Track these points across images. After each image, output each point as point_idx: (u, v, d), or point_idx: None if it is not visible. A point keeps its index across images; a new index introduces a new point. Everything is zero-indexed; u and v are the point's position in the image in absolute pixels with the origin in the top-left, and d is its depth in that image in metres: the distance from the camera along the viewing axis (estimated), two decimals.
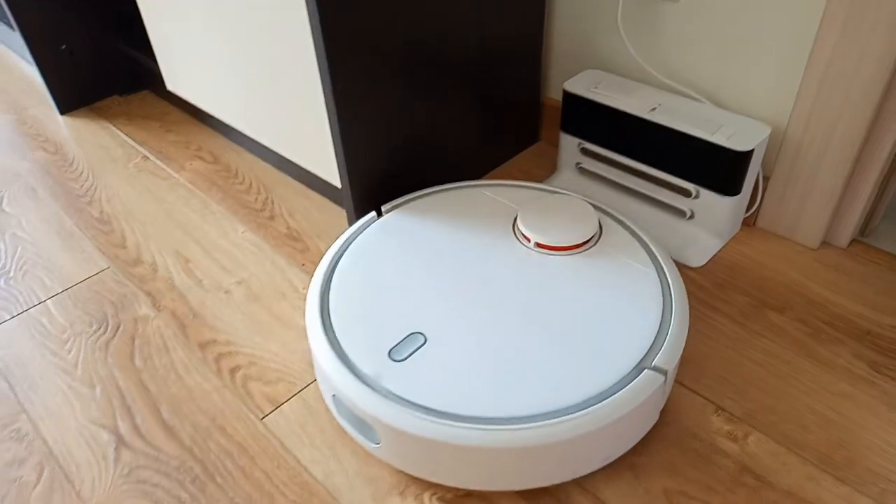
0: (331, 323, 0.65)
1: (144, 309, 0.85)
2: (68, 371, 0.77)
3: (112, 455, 0.68)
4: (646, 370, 0.59)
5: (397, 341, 0.63)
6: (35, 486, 0.65)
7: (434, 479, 0.60)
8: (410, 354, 0.61)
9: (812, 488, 0.60)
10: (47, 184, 1.11)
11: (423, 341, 0.62)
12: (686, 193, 0.86)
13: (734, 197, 0.82)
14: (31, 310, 0.86)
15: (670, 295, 0.66)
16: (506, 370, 0.59)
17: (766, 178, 0.86)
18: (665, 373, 0.59)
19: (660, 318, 0.64)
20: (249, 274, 0.89)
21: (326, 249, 0.91)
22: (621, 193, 0.94)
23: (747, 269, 0.84)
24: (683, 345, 0.62)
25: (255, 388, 0.73)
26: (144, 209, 1.02)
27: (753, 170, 0.81)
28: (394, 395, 0.58)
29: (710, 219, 0.85)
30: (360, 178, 0.83)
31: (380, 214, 0.79)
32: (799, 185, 0.83)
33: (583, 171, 0.97)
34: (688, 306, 0.66)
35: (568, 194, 0.79)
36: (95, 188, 1.08)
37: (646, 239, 0.73)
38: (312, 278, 0.71)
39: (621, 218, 0.76)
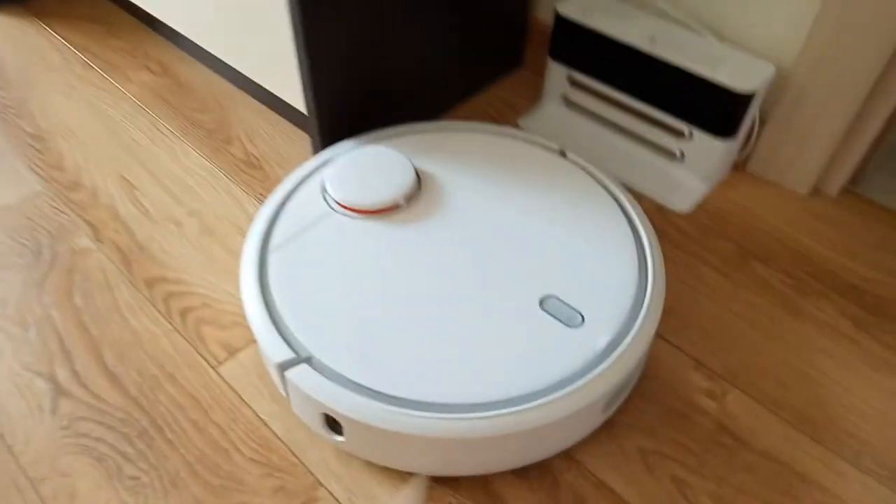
0: (270, 290, 0.58)
1: (84, 240, 0.77)
2: None
3: (49, 405, 0.62)
4: (627, 335, 0.55)
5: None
6: None
7: (412, 471, 0.57)
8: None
9: (788, 449, 0.59)
10: None
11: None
12: (678, 134, 0.81)
13: (729, 140, 0.77)
14: None
15: (644, 246, 0.62)
16: (484, 349, 0.54)
17: (763, 121, 0.80)
18: (647, 334, 0.56)
19: (636, 274, 0.59)
20: (202, 204, 0.81)
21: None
22: (609, 130, 0.88)
23: (734, 215, 0.80)
24: (663, 301, 0.58)
25: (208, 333, 0.68)
26: (85, 126, 0.92)
27: (752, 111, 0.76)
28: (357, 384, 0.52)
29: (701, 162, 0.80)
30: (328, 104, 0.75)
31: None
32: (796, 131, 0.78)
33: (569, 103, 0.90)
34: (663, 260, 0.61)
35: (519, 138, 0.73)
36: (28, 99, 0.97)
37: (614, 189, 0.68)
38: (250, 230, 0.64)
39: (594, 172, 0.70)
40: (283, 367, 0.54)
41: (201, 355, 0.66)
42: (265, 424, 0.61)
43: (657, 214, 0.80)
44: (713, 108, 0.75)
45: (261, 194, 0.82)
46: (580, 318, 0.56)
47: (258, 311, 0.57)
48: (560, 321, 0.56)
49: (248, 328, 0.68)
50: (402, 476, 0.57)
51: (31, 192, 0.82)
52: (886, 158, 0.85)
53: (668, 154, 0.83)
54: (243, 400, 0.62)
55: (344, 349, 0.54)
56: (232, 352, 0.66)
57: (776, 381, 0.64)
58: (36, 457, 0.59)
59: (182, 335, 0.68)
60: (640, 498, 0.56)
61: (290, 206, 0.66)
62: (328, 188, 0.66)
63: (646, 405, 0.61)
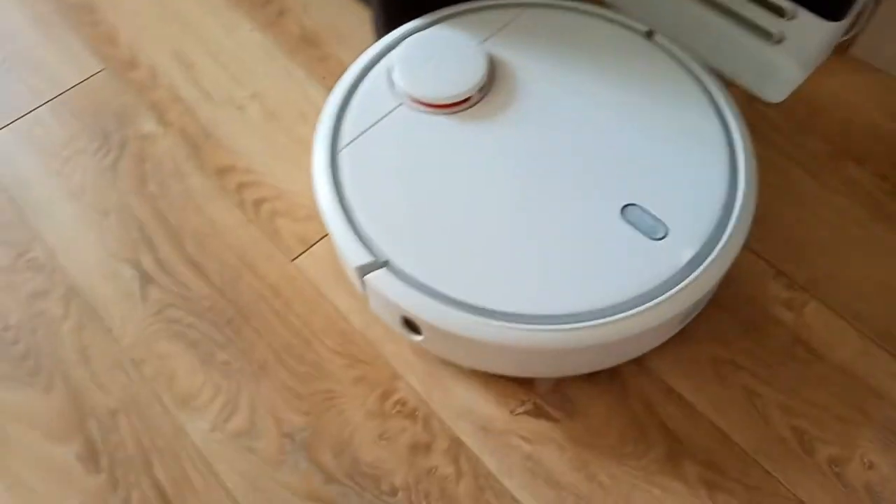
0: (345, 191, 0.57)
1: (149, 124, 0.76)
2: (76, 195, 0.71)
3: (139, 291, 0.65)
4: (715, 247, 0.53)
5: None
6: (64, 321, 0.64)
7: (487, 370, 0.58)
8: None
9: (864, 364, 0.59)
10: None
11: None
12: (779, 12, 0.72)
13: (837, 22, 0.69)
14: (23, 118, 0.77)
15: (735, 151, 0.58)
16: (563, 259, 0.53)
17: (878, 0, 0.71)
18: (732, 247, 0.54)
19: (726, 180, 0.56)
20: (263, 86, 0.79)
21: (348, 64, 0.80)
22: (701, 4, 0.79)
23: (832, 107, 0.74)
24: (753, 211, 0.56)
25: (283, 226, 0.68)
26: None
27: None
28: (434, 290, 0.52)
29: (802, 46, 0.73)
30: None
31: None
32: None
33: None
34: (756, 165, 0.58)
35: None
36: None
37: (708, 83, 0.62)
38: (318, 127, 0.61)
39: (683, 58, 0.64)
40: (363, 270, 0.55)
41: (278, 247, 0.67)
42: (344, 318, 0.63)
43: (747, 105, 0.74)
44: None
45: (323, 77, 0.79)
46: (664, 229, 0.54)
47: (335, 214, 0.57)
48: (642, 232, 0.54)
49: (320, 221, 0.68)
50: (477, 371, 0.59)
51: (91, 72, 0.80)
52: None
53: (765, 35, 0.75)
54: (321, 293, 0.64)
55: (420, 254, 0.54)
56: (307, 245, 0.67)
57: (858, 292, 0.62)
58: (134, 340, 0.63)
59: (257, 226, 0.68)
60: (709, 405, 0.57)
61: (357, 98, 0.63)
62: (396, 80, 0.62)
63: (721, 314, 0.61)
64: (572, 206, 0.56)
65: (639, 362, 0.59)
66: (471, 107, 0.62)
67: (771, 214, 0.67)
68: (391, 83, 0.63)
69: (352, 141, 0.60)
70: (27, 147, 0.75)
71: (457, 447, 0.57)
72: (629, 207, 0.56)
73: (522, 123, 0.60)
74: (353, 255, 0.55)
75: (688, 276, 0.52)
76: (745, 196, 0.56)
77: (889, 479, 0.54)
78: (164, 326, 0.63)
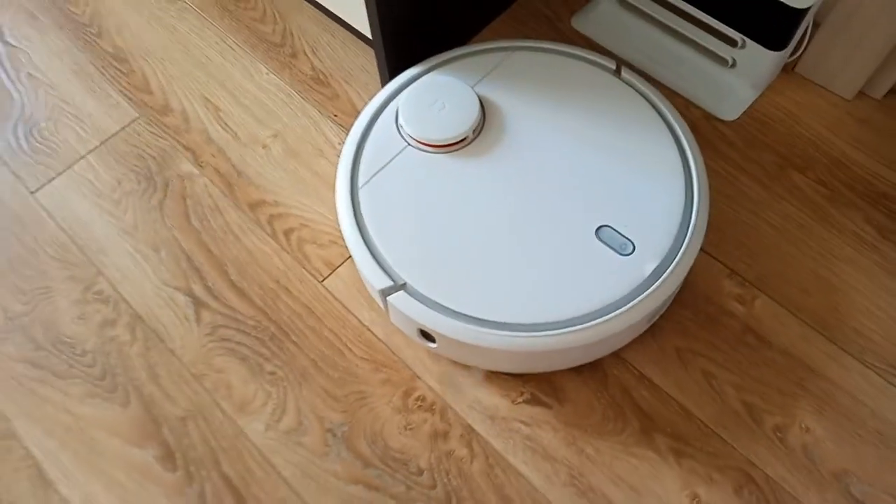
0: (366, 226, 0.68)
1: (187, 165, 0.87)
2: (129, 233, 0.83)
3: (193, 315, 0.77)
4: (676, 256, 0.65)
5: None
6: (132, 345, 0.76)
7: (491, 369, 0.70)
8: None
9: (804, 347, 0.71)
10: (43, 5, 1.04)
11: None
12: (731, 42, 0.83)
13: (781, 51, 0.80)
14: (74, 166, 0.88)
15: (691, 170, 0.69)
16: (549, 277, 0.65)
17: (816, 24, 0.82)
18: (691, 254, 0.66)
19: (683, 198, 0.67)
20: (283, 125, 0.90)
21: (360, 106, 0.91)
22: (663, 33, 0.90)
23: (779, 122, 0.85)
24: (706, 223, 0.67)
25: (311, 251, 0.80)
26: (158, 43, 0.98)
27: (806, 21, 0.78)
28: (445, 307, 0.64)
29: (752, 69, 0.84)
30: (395, 29, 0.79)
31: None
32: (851, 35, 0.80)
33: (623, 3, 0.91)
34: (708, 182, 0.69)
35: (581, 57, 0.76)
36: (99, 14, 1.02)
37: (668, 115, 0.73)
38: (338, 170, 0.72)
39: (648, 94, 0.75)
40: (385, 293, 0.66)
41: (307, 271, 0.79)
42: (368, 329, 0.75)
43: (705, 123, 0.85)
44: (767, 21, 0.77)
45: (334, 115, 0.90)
46: (631, 246, 0.66)
47: (358, 245, 0.68)
48: (614, 250, 0.66)
49: (342, 246, 0.80)
50: (483, 371, 0.71)
51: (130, 119, 0.91)
52: None
53: (721, 61, 0.86)
54: (348, 309, 0.76)
55: (431, 276, 0.66)
56: (332, 267, 0.79)
57: (800, 287, 0.74)
58: (193, 358, 0.74)
59: (289, 253, 0.80)
60: (674, 387, 0.69)
61: (370, 142, 0.74)
62: (402, 125, 0.73)
63: (683, 310, 0.73)
64: (555, 229, 0.67)
65: (616, 355, 0.71)
66: (467, 145, 0.73)
67: (725, 221, 0.78)
68: (398, 127, 0.74)
69: (368, 181, 0.72)
70: (82, 191, 0.86)
71: (469, 433, 0.69)
72: (602, 228, 0.67)
73: (511, 157, 0.72)
74: (376, 281, 0.66)
75: (652, 284, 0.64)
76: (699, 214, 0.67)
77: (821, 440, 0.66)
78: (217, 344, 0.75)
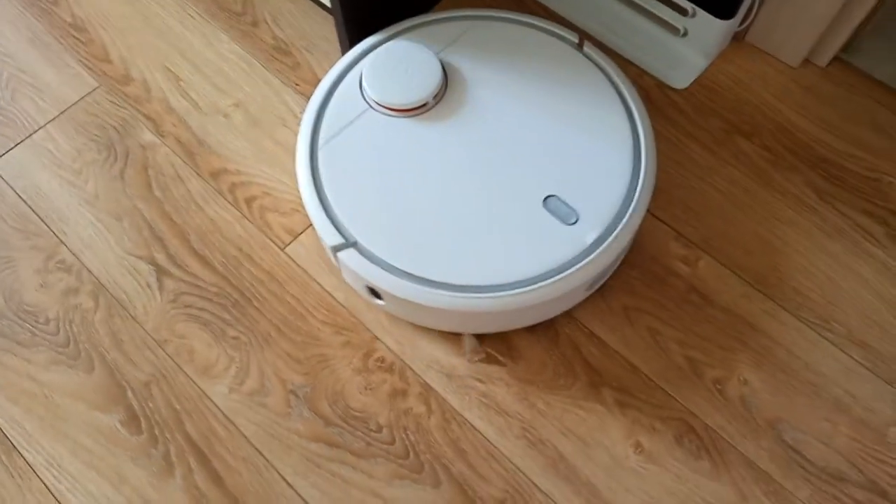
0: (322, 184, 0.70)
1: (148, 135, 0.88)
2: (91, 202, 0.83)
3: (155, 283, 0.78)
4: (623, 219, 0.67)
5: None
6: (95, 312, 0.77)
7: (441, 329, 0.73)
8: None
9: (744, 304, 0.74)
10: None
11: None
12: (682, 11, 0.85)
13: (730, 20, 0.82)
14: (33, 135, 0.88)
15: (639, 135, 0.71)
16: (502, 240, 0.67)
17: None
18: (637, 217, 0.68)
19: (631, 162, 0.69)
20: (244, 94, 0.90)
21: (321, 76, 0.91)
22: (619, 3, 0.92)
23: (727, 90, 0.87)
24: (653, 186, 0.70)
25: (272, 219, 0.81)
26: (118, 12, 0.97)
27: None
28: (399, 269, 0.66)
29: (703, 38, 0.86)
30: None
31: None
32: (795, 4, 0.82)
33: None
34: (655, 147, 0.71)
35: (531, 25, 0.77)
36: None
37: (617, 81, 0.75)
38: (300, 129, 0.73)
39: (595, 57, 0.76)
40: (335, 249, 0.68)
41: (270, 238, 0.80)
42: (329, 294, 0.77)
43: (657, 91, 0.88)
44: None
45: (296, 85, 0.90)
46: (575, 216, 0.68)
47: (313, 201, 0.69)
48: (559, 219, 0.68)
49: (304, 215, 0.81)
50: (441, 331, 0.74)
51: (89, 88, 0.91)
52: (880, 26, 0.89)
53: (673, 30, 0.88)
54: (310, 275, 0.78)
55: (382, 235, 0.68)
56: (294, 235, 0.80)
57: (743, 248, 0.77)
58: (156, 324, 0.76)
59: (251, 221, 0.81)
60: (621, 344, 0.73)
61: (332, 106, 0.75)
62: (366, 88, 0.74)
63: (631, 270, 0.76)
64: (505, 196, 0.69)
65: (568, 314, 0.74)
66: (428, 111, 0.74)
67: (674, 186, 0.81)
68: (361, 91, 0.75)
69: (328, 141, 0.73)
70: (41, 161, 0.86)
71: (427, 391, 0.72)
72: (550, 198, 0.69)
73: (469, 125, 0.73)
74: (329, 237, 0.68)
75: (595, 250, 0.66)
76: (645, 182, 0.69)
77: (758, 391, 0.70)
78: (180, 311, 0.77)
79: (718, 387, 0.71)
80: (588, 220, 0.68)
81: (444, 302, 0.65)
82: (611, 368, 0.72)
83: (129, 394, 0.73)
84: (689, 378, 0.71)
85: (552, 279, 0.65)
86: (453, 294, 0.65)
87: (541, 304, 0.66)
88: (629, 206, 0.68)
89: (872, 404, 0.70)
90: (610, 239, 0.66)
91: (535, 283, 0.65)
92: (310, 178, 0.71)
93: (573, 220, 0.67)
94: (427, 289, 0.65)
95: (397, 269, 0.66)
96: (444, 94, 0.75)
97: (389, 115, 0.74)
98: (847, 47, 0.88)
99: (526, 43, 0.78)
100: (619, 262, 0.74)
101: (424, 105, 0.74)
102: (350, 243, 0.68)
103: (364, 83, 0.74)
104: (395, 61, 0.75)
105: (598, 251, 0.66)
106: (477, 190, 0.70)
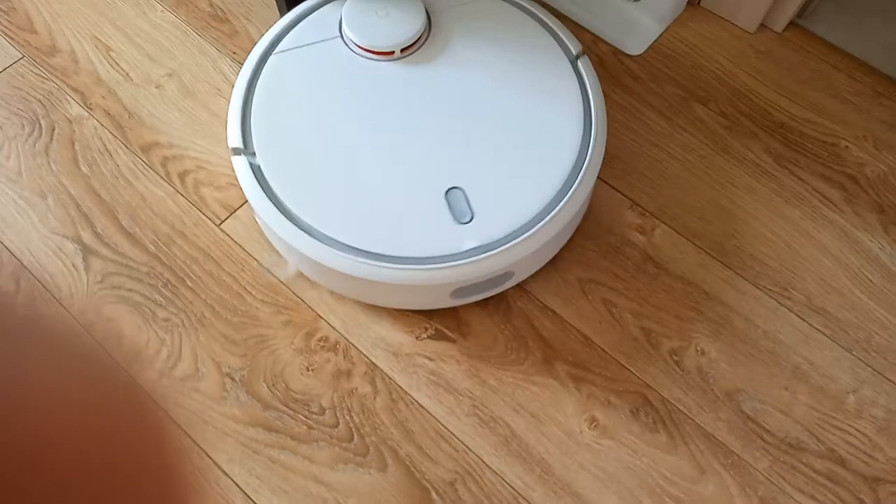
0: (264, 175, 0.65)
1: (75, 108, 0.82)
2: (13, 180, 0.77)
3: (81, 264, 0.73)
4: (574, 184, 0.64)
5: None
6: (16, 296, 0.71)
7: (389, 307, 0.69)
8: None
9: (701, 273, 0.72)
10: None
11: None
12: None
13: None
14: None
15: (589, 99, 0.67)
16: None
17: None
18: (591, 182, 0.65)
19: (581, 127, 0.66)
20: (178, 64, 0.85)
21: (256, 37, 0.86)
22: None
23: (683, 56, 0.85)
24: (603, 152, 0.66)
25: (207, 194, 0.77)
26: None
27: None
28: (336, 241, 0.62)
29: (657, 4, 0.83)
30: None
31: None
32: None
33: None
34: (605, 112, 0.68)
35: None
36: None
37: (564, 38, 0.71)
38: (230, 108, 0.69)
39: (536, 12, 0.72)
40: (235, 152, 0.66)
41: (204, 214, 0.75)
42: (269, 272, 0.73)
43: (612, 58, 0.85)
44: None
45: (233, 52, 0.85)
46: (470, 215, 0.64)
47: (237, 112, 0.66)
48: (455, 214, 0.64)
49: (240, 189, 0.76)
50: (388, 310, 0.70)
51: (12, 60, 0.85)
52: None
53: None
54: (248, 252, 0.73)
55: (282, 152, 0.65)
56: (231, 210, 0.76)
57: (700, 216, 0.75)
58: (82, 307, 0.71)
59: (184, 196, 0.76)
60: (575, 316, 0.70)
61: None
62: (345, 21, 0.69)
63: (586, 241, 0.73)
64: (446, 163, 0.65)
65: (520, 287, 0.71)
66: (389, 60, 0.69)
67: (629, 154, 0.78)
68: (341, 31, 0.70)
69: (279, 53, 0.69)
70: None
71: (373, 370, 0.68)
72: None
73: (425, 83, 0.69)
74: (233, 139, 0.65)
75: (540, 221, 0.63)
76: (594, 151, 0.65)
77: (715, 361, 0.68)
78: (108, 293, 0.71)
79: (675, 358, 0.68)
80: (537, 186, 0.64)
81: (367, 272, 0.61)
82: (565, 342, 0.69)
83: None
84: (646, 350, 0.68)
85: (489, 252, 0.61)
86: (375, 263, 0.61)
87: (484, 280, 0.62)
88: (578, 173, 0.65)
89: (831, 371, 0.68)
90: (559, 207, 0.63)
91: (480, 253, 0.61)
92: (245, 86, 0.68)
93: (468, 219, 0.63)
94: (347, 255, 0.61)
95: (321, 233, 0.62)
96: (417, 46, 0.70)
97: (359, 55, 0.69)
98: (802, 12, 0.86)
99: (490, 14, 0.73)
100: (567, 234, 0.71)
101: (392, 53, 0.69)
102: (250, 152, 0.65)
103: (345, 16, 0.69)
104: (376, 6, 0.70)
105: (545, 220, 0.62)
106: (419, 153, 0.66)
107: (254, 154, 0.64)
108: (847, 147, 0.79)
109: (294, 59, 0.70)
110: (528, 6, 0.74)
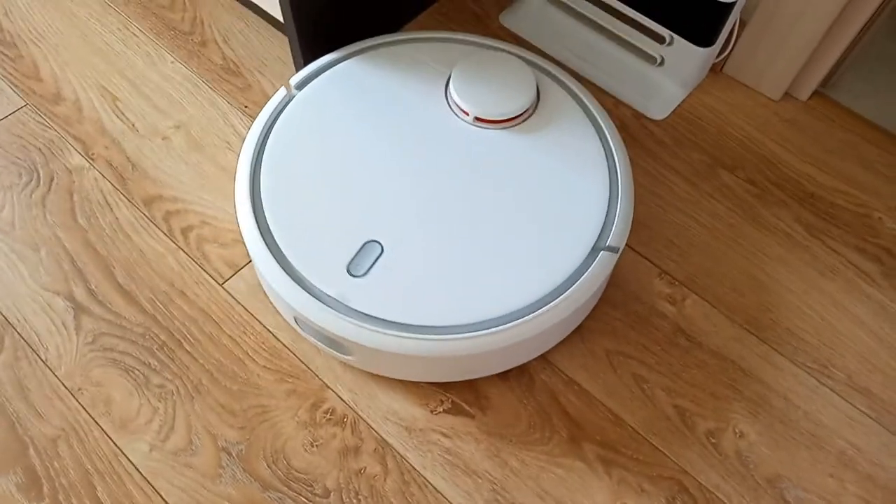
0: (270, 230, 0.61)
1: (76, 157, 0.78)
2: (5, 231, 0.73)
3: (72, 322, 0.68)
4: (601, 252, 0.60)
5: (352, 253, 0.60)
6: None
7: (412, 380, 0.64)
8: (370, 268, 0.59)
9: (736, 348, 0.67)
10: None
11: (380, 251, 0.60)
12: (659, 39, 0.81)
13: (708, 48, 0.78)
14: None
15: (615, 168, 0.65)
16: (467, 275, 0.59)
17: (743, 24, 0.81)
18: (617, 250, 0.62)
19: (607, 194, 0.63)
20: (187, 116, 0.82)
21: (270, 91, 0.84)
22: (591, 31, 0.87)
23: (707, 122, 0.83)
24: (631, 219, 0.63)
25: (211, 251, 0.72)
26: (52, 27, 0.89)
27: (732, 18, 0.76)
28: (361, 313, 0.57)
29: (680, 68, 0.82)
30: (310, 12, 0.74)
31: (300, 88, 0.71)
32: (775, 35, 0.79)
33: (552, 0, 0.89)
34: (632, 179, 0.65)
35: (504, 51, 0.72)
36: None
37: (589, 105, 0.69)
38: (238, 168, 0.65)
39: (562, 78, 0.71)
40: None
41: (207, 273, 0.71)
42: (273, 336, 0.68)
43: (634, 122, 0.83)
44: (694, 16, 0.75)
45: (245, 106, 0.83)
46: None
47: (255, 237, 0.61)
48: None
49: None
50: (401, 381, 0.65)
51: (14, 107, 0.82)
52: (859, 61, 0.87)
53: (649, 59, 0.84)
54: (251, 313, 0.69)
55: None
56: (235, 268, 0.71)
57: (732, 286, 0.71)
58: (69, 370, 0.65)
59: (186, 253, 0.72)
60: (603, 392, 0.65)
61: (279, 126, 0.68)
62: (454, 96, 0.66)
63: (613, 311, 0.69)
64: (473, 230, 0.61)
65: (544, 358, 0.66)
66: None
67: (655, 221, 0.75)
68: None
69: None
70: None
71: (383, 448, 0.62)
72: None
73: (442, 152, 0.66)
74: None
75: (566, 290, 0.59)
76: (621, 216, 0.62)
77: (755, 444, 0.63)
78: (98, 354, 0.66)
79: (712, 440, 0.63)
80: (562, 254, 0.60)
81: (388, 343, 0.56)
82: (592, 420, 0.63)
83: (32, 451, 0.61)
84: (680, 430, 0.63)
85: (519, 320, 0.57)
86: (402, 335, 0.56)
87: (508, 348, 0.57)
88: (605, 239, 0.61)
89: (880, 458, 0.63)
90: (585, 275, 0.59)
91: (501, 323, 0.57)
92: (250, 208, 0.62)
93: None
94: (381, 330, 0.57)
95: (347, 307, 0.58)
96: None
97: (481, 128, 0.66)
98: (827, 81, 0.85)
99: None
100: (593, 303, 0.67)
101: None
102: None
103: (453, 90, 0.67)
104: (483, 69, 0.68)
105: (571, 289, 0.58)
106: (443, 225, 0.62)
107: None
108: (880, 218, 0.76)
109: (310, 112, 0.67)
110: (558, 74, 0.71)
